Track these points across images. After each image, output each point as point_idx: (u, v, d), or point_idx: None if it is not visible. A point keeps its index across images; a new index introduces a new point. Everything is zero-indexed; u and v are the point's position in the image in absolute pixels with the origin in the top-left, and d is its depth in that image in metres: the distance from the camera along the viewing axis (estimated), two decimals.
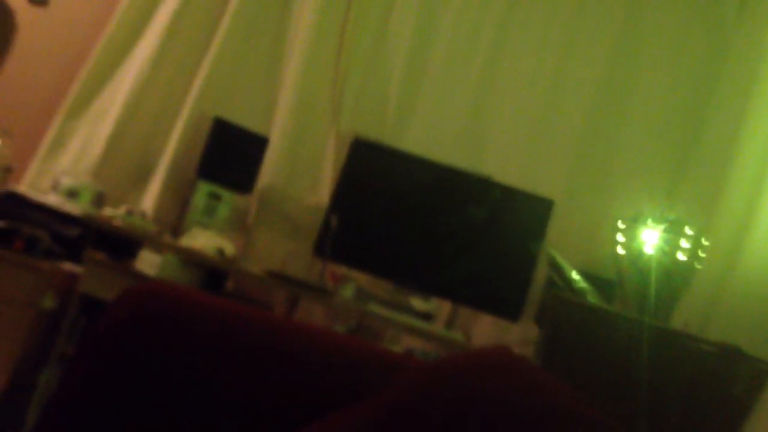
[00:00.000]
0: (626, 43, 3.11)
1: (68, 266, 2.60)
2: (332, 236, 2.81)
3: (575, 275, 2.10)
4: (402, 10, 3.23)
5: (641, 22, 3.11)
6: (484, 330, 2.99)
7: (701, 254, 1.99)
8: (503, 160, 3.08)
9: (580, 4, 3.15)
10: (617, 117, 3.08)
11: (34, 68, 3.14)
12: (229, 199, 2.92)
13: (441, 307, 2.88)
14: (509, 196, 2.89)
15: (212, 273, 2.72)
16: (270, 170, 3.04)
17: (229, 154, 2.96)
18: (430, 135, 3.16)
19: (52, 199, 2.78)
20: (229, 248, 2.71)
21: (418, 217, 2.90)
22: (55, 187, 2.91)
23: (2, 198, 2.61)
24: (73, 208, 2.73)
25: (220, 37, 3.08)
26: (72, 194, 2.84)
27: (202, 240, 2.71)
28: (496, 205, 2.89)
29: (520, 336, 2.87)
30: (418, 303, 2.80)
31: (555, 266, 2.20)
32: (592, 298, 2.07)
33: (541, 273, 2.79)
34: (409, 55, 3.21)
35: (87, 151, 2.98)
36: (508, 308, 2.83)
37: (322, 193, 3.02)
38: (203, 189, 2.89)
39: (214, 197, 2.90)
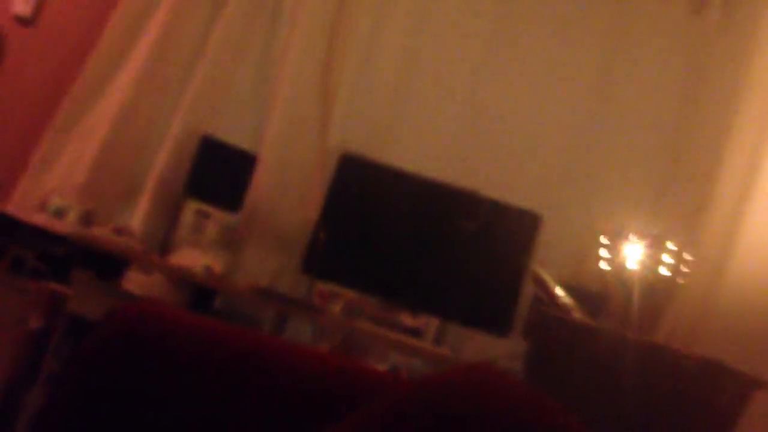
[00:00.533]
0: (610, 58, 3.13)
1: (55, 286, 2.59)
2: (320, 253, 2.81)
3: (559, 291, 2.11)
4: (390, 26, 3.25)
5: (625, 38, 3.14)
6: (474, 345, 2.99)
7: (684, 269, 2.01)
8: (491, 175, 3.09)
9: (566, 21, 3.18)
10: (602, 132, 3.10)
11: (22, 87, 3.15)
12: (218, 216, 2.92)
13: (430, 323, 2.89)
14: (497, 210, 2.91)
15: (200, 291, 2.72)
16: (259, 187, 3.05)
17: (218, 172, 2.97)
18: (418, 150, 3.17)
19: (40, 218, 2.78)
20: (217, 266, 2.72)
21: (406, 232, 2.91)
22: (42, 206, 2.91)
23: None
24: (60, 226, 2.73)
25: (208, 55, 3.09)
26: (59, 213, 2.84)
27: (190, 258, 2.72)
28: (485, 219, 2.90)
29: (509, 351, 2.88)
30: (406, 319, 2.81)
31: (539, 282, 2.21)
32: (577, 313, 2.08)
33: (529, 288, 2.80)
34: (397, 70, 3.24)
35: (75, 170, 2.98)
36: (496, 323, 2.83)
37: (311, 210, 3.02)
38: (191, 207, 2.90)
39: (203, 215, 2.91)
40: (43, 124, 3.07)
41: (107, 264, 2.67)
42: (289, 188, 3.12)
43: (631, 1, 3.16)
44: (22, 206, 2.91)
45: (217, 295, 2.84)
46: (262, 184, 3.05)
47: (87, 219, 2.84)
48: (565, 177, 3.09)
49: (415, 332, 2.78)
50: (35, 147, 3.05)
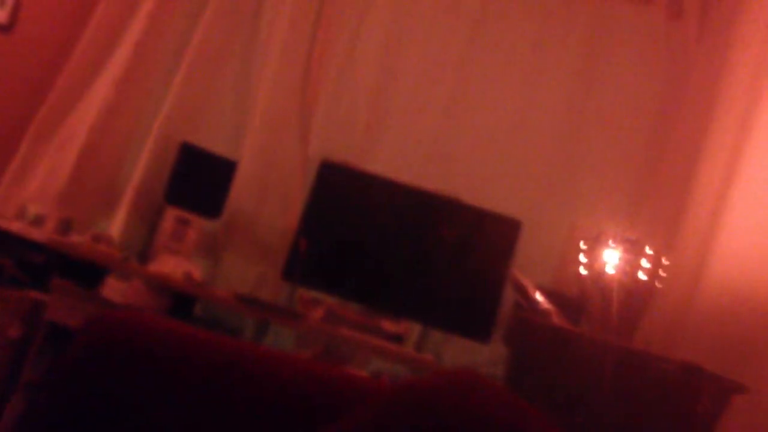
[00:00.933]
0: (589, 64, 3.16)
1: (34, 294, 2.57)
2: (301, 260, 2.81)
3: (539, 296, 2.12)
4: (370, 33, 3.26)
5: (604, 44, 3.17)
6: (455, 351, 3.00)
7: (662, 273, 2.03)
8: (471, 182, 3.11)
9: (544, 29, 3.20)
10: (581, 138, 3.13)
11: (1, 93, 3.13)
12: (198, 223, 2.91)
13: (412, 328, 2.89)
14: (478, 217, 2.92)
15: (180, 298, 2.71)
16: (239, 194, 3.04)
17: (197, 179, 2.96)
18: (398, 156, 3.18)
19: (18, 226, 2.76)
20: (198, 273, 2.71)
21: (387, 239, 2.92)
22: (20, 214, 2.89)
23: None
24: (38, 234, 2.71)
25: (187, 61, 3.08)
26: (38, 221, 2.82)
27: (170, 265, 2.70)
28: (465, 226, 2.92)
29: (490, 357, 2.89)
30: (388, 325, 2.81)
31: (519, 287, 2.22)
32: (558, 318, 2.09)
33: (510, 293, 2.81)
34: (377, 77, 3.24)
35: (53, 177, 2.96)
36: (477, 329, 2.85)
37: (292, 217, 3.02)
38: (171, 214, 2.88)
39: (183, 222, 2.89)
40: (20, 132, 3.04)
41: (86, 272, 2.65)
42: (269, 195, 3.12)
43: (609, 7, 3.19)
44: (0, 214, 2.89)
45: (198, 303, 2.83)
46: (242, 190, 3.05)
47: (66, 227, 2.82)
48: (545, 183, 3.11)
49: (397, 338, 2.78)
50: (12, 155, 3.02)
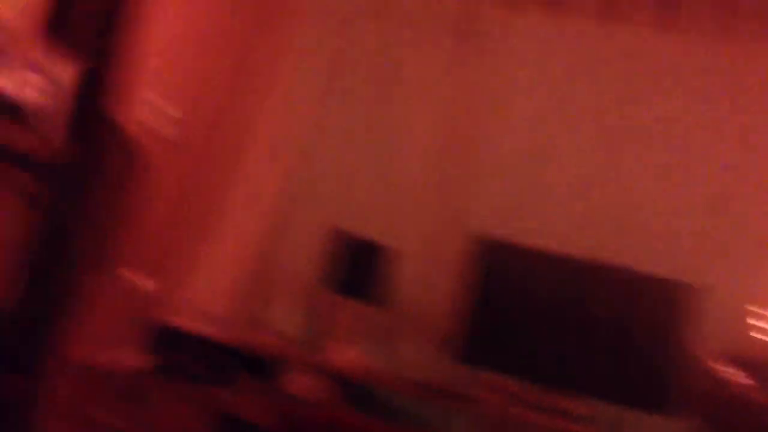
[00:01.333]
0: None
1: (216, 390, 2.65)
2: (473, 341, 2.78)
3: (727, 366, 1.98)
4: (517, 105, 3.23)
5: None
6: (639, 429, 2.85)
7: None
8: (642, 246, 2.99)
9: (706, 79, 3.05)
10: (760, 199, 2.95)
11: (167, 200, 3.31)
12: (364, 311, 2.94)
13: (602, 410, 2.77)
14: (650, 283, 2.81)
15: (357, 388, 2.72)
16: (403, 278, 3.05)
17: (358, 266, 2.99)
18: (558, 226, 3.11)
19: (193, 324, 2.87)
20: (371, 361, 2.72)
21: (560, 314, 2.84)
22: (195, 312, 3.01)
23: (157, 333, 2.72)
24: (213, 331, 2.81)
25: (329, 149, 3.18)
26: (211, 318, 2.94)
27: (344, 355, 2.73)
28: (638, 294, 2.81)
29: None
30: (572, 405, 2.71)
31: (705, 359, 2.09)
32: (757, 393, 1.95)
33: (693, 362, 2.67)
34: (528, 149, 3.21)
35: (223, 276, 3.08)
36: (659, 402, 2.71)
37: (459, 298, 2.99)
38: (337, 303, 2.93)
39: (349, 310, 2.93)
40: (191, 234, 3.20)
41: (265, 366, 2.72)
42: (433, 277, 3.11)
43: None
44: (177, 315, 3.02)
45: (374, 391, 2.83)
46: (405, 274, 3.06)
47: (239, 322, 2.91)
48: (722, 246, 2.95)
49: (584, 419, 2.67)
50: (184, 257, 3.17)
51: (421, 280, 3.10)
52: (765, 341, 2.22)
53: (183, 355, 2.74)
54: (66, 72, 2.84)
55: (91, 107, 2.69)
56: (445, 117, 3.23)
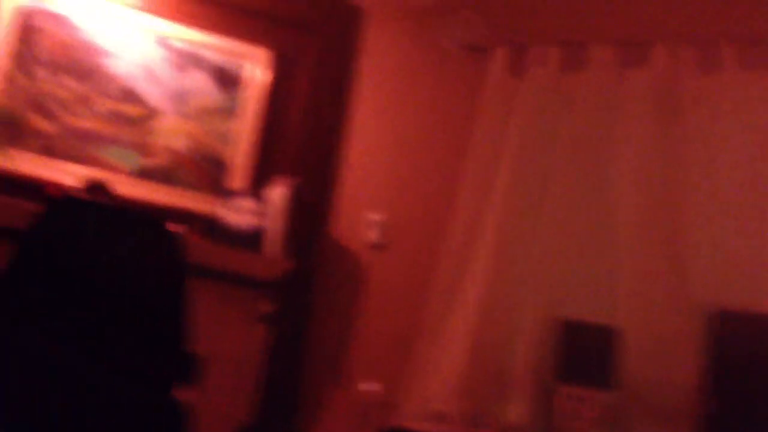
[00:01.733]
0: None
1: None
2: (715, 422, 2.59)
3: None
4: (725, 162, 3.08)
5: None
6: None
7: None
8: None
9: None
10: None
11: (382, 306, 3.41)
12: (594, 398, 2.83)
13: None
14: None
15: None
16: (630, 360, 2.92)
17: (583, 353, 2.91)
18: None
19: (424, 425, 2.88)
20: None
21: None
22: (424, 413, 3.02)
23: None
24: (450, 430, 2.80)
25: (544, 238, 3.16)
26: (443, 418, 2.93)
27: None
28: None
29: None
30: None
31: None
32: None
33: None
34: (741, 212, 3.03)
35: (448, 374, 3.08)
36: None
37: (691, 375, 2.82)
38: (566, 392, 2.84)
39: (579, 400, 2.83)
40: (405, 337, 3.26)
41: None
42: (661, 355, 2.96)
43: None
44: (407, 418, 3.04)
45: None
46: (632, 356, 2.93)
47: (469, 420, 2.89)
48: None
49: None
50: (404, 359, 3.22)
51: (647, 359, 2.96)
52: None
53: None
54: (278, 193, 3.06)
55: (306, 223, 2.86)
56: (655, 190, 3.13)
